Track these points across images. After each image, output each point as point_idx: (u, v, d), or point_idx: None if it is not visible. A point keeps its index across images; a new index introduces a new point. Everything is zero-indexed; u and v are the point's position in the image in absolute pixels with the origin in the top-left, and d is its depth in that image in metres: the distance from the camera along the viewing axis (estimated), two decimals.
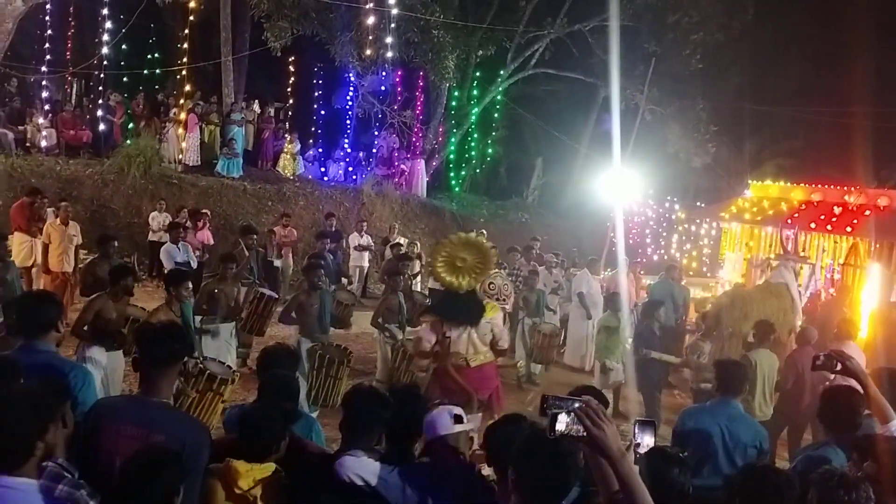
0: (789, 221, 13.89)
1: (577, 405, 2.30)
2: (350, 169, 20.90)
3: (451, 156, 24.06)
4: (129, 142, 17.41)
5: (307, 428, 4.19)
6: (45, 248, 11.09)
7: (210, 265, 12.51)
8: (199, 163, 18.10)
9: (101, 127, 17.69)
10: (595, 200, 17.64)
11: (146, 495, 2.80)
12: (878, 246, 12.43)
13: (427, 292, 13.24)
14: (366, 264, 15.26)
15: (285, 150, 19.86)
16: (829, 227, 13.37)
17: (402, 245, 14.41)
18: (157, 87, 22.04)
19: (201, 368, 6.26)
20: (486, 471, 3.51)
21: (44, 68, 18.43)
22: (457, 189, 24.33)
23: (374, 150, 21.37)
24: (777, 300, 10.11)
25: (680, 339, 11.19)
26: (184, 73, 18.83)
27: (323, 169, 20.99)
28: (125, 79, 21.38)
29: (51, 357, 4.02)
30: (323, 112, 23.54)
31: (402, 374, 8.35)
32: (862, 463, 3.44)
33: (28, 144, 16.64)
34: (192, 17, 18.58)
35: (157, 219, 14.16)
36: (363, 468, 3.25)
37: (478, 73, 23.15)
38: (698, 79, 20.76)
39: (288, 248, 14.11)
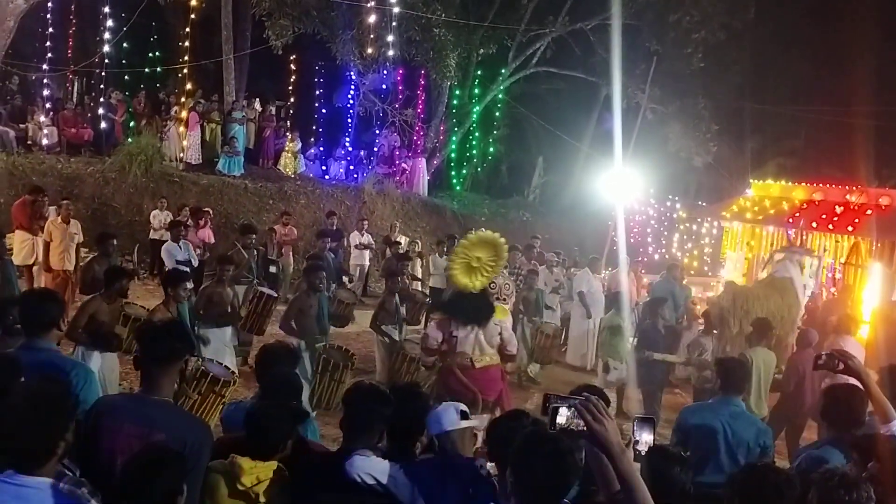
0: (790, 220, 13.89)
1: (577, 401, 2.31)
2: (351, 167, 20.90)
3: (453, 154, 24.06)
4: (130, 140, 17.41)
5: (303, 426, 4.19)
6: (47, 246, 11.08)
7: (211, 264, 12.53)
8: (201, 161, 18.10)
9: (103, 125, 17.69)
10: (596, 199, 17.64)
11: (148, 494, 2.80)
12: (879, 245, 12.43)
13: (428, 291, 13.27)
14: (366, 263, 15.26)
15: (286, 148, 19.85)
16: (830, 227, 13.36)
17: (401, 244, 14.41)
18: (158, 85, 22.07)
19: (203, 371, 6.27)
20: (489, 466, 3.51)
21: (45, 66, 18.45)
22: (458, 188, 24.33)
23: (376, 149, 21.35)
24: (780, 296, 10.00)
25: (680, 337, 11.16)
26: (185, 71, 18.84)
27: (324, 167, 20.99)
28: (126, 77, 21.41)
29: (52, 355, 4.02)
30: (324, 110, 23.55)
31: (401, 375, 8.35)
32: (863, 462, 3.43)
33: (29, 142, 16.65)
34: (193, 16, 18.61)
35: (159, 217, 14.16)
36: (374, 467, 3.26)
37: (479, 72, 23.15)
38: (700, 78, 20.72)
39: (288, 247, 14.11)
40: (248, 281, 10.28)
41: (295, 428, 3.56)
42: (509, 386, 7.63)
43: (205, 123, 18.55)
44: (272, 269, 12.74)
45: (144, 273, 14.49)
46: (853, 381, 4.10)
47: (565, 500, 2.59)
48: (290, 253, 14.23)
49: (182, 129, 18.01)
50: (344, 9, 18.56)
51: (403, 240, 15.55)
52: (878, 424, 3.93)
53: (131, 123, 18.65)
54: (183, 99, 18.60)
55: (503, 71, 22.58)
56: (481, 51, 21.97)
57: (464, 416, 3.67)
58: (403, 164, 21.20)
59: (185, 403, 5.86)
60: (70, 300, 10.44)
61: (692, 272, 16.68)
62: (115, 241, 9.54)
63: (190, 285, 7.55)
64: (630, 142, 16.67)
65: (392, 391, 3.81)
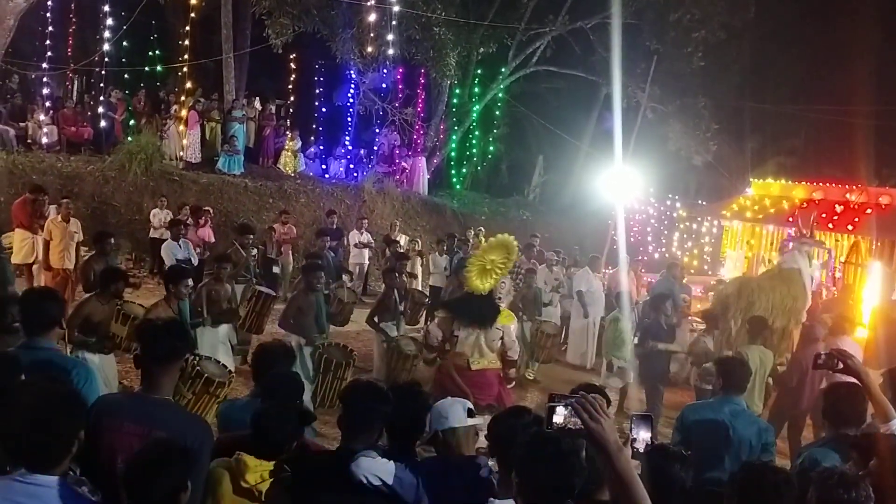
0: (790, 220, 13.89)
1: (574, 399, 2.31)
2: (351, 166, 20.90)
3: (453, 153, 24.06)
4: (130, 139, 17.39)
5: None
6: (47, 244, 11.07)
7: (210, 263, 12.53)
8: (200, 160, 18.10)
9: (103, 124, 17.68)
10: (596, 198, 17.65)
11: (152, 490, 2.80)
12: (879, 244, 12.46)
13: (427, 290, 13.29)
14: (366, 262, 15.23)
15: (286, 147, 19.85)
16: (830, 226, 13.38)
17: (399, 243, 14.41)
18: (158, 83, 22.05)
19: (198, 371, 6.28)
20: (490, 463, 3.52)
21: (45, 65, 18.44)
22: (458, 186, 24.33)
23: (376, 148, 21.36)
24: (787, 287, 9.89)
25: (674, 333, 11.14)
26: (185, 69, 18.83)
27: (324, 166, 20.99)
28: (126, 76, 21.39)
29: (52, 354, 4.02)
30: (324, 109, 23.54)
31: (398, 373, 8.35)
32: (863, 461, 3.44)
33: (29, 141, 16.64)
34: (193, 14, 18.59)
35: (159, 216, 14.16)
36: (380, 468, 3.24)
37: (479, 71, 23.15)
38: (700, 77, 20.72)
39: (287, 246, 14.10)
40: (247, 280, 10.28)
41: (301, 429, 3.55)
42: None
43: (205, 122, 18.55)
44: (275, 269, 12.77)
45: (144, 272, 14.49)
46: (852, 380, 4.10)
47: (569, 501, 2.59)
48: (290, 252, 14.23)
49: (182, 127, 18.00)
50: (344, 7, 18.56)
51: (403, 239, 15.55)
52: (878, 424, 3.93)
53: (131, 122, 18.64)
54: (183, 98, 18.58)
55: (503, 70, 22.58)
56: (481, 50, 21.96)
57: (470, 413, 3.68)
58: (403, 163, 21.20)
59: (179, 402, 5.86)
60: (70, 299, 10.44)
61: (692, 271, 16.69)
62: (112, 240, 9.53)
63: (191, 282, 7.54)
64: (630, 141, 16.69)
65: (393, 390, 3.81)
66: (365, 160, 21.31)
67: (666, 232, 21.69)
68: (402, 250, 13.49)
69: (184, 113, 18.09)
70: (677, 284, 11.86)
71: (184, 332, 3.69)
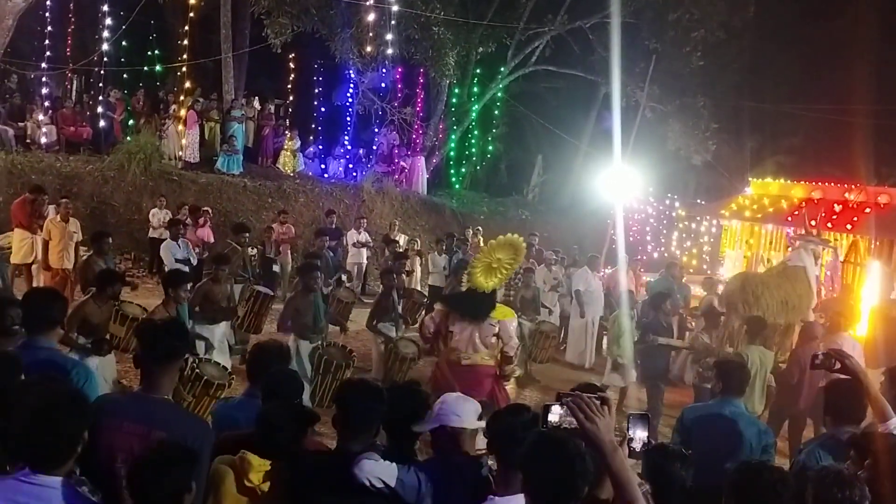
0: (789, 219, 13.91)
1: (570, 399, 2.32)
2: (350, 166, 20.90)
3: (452, 153, 24.06)
4: (129, 138, 17.40)
5: None
6: (46, 244, 11.08)
7: (209, 264, 12.53)
8: (199, 160, 18.10)
9: (102, 123, 17.69)
10: (595, 198, 17.64)
11: (156, 492, 2.80)
12: (878, 243, 12.46)
13: (426, 290, 13.29)
14: (364, 261, 15.20)
15: (285, 146, 19.85)
16: (829, 225, 13.38)
17: (398, 242, 14.41)
18: (157, 83, 22.05)
19: (198, 374, 6.29)
20: (489, 462, 3.52)
21: (44, 65, 18.43)
22: (457, 186, 24.33)
23: (375, 147, 21.37)
24: (792, 285, 9.88)
25: (679, 334, 11.17)
26: (184, 69, 18.82)
27: (323, 166, 21.00)
28: (125, 75, 21.39)
29: (52, 354, 4.03)
30: (323, 109, 23.56)
31: (396, 374, 8.36)
32: (861, 460, 3.45)
33: (28, 141, 16.64)
34: (192, 14, 18.59)
35: (158, 215, 14.17)
36: (383, 471, 3.24)
37: (478, 70, 23.15)
38: (699, 76, 20.73)
39: (286, 245, 14.09)
40: (245, 280, 10.28)
41: (305, 429, 3.55)
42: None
43: (204, 122, 18.55)
44: (275, 268, 12.76)
45: (143, 272, 14.49)
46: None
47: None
48: (289, 251, 14.23)
49: (181, 127, 18.00)
50: (343, 7, 18.56)
51: (402, 238, 15.54)
52: (876, 423, 3.94)
53: (130, 122, 18.65)
54: (182, 97, 18.58)
55: (502, 69, 22.58)
56: (480, 49, 21.96)
57: (479, 416, 3.67)
58: (402, 163, 21.21)
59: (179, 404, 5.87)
60: (70, 299, 10.45)
61: (691, 270, 16.69)
62: (110, 240, 9.54)
63: (190, 286, 7.56)
64: (629, 140, 16.69)
65: (392, 390, 3.80)
66: (364, 160, 21.32)
67: (665, 231, 21.69)
68: (401, 250, 13.50)
69: (183, 113, 18.09)
70: (676, 284, 11.87)
71: (183, 332, 3.70)
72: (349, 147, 21.35)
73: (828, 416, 4.32)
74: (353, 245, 14.90)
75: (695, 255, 18.82)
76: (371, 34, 18.04)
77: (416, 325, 10.79)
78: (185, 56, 18.62)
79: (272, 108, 21.10)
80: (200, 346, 7.96)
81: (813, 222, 11.47)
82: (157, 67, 21.56)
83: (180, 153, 17.91)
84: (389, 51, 18.47)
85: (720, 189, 21.91)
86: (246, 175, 18.13)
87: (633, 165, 16.40)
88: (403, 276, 11.81)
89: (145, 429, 3.27)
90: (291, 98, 24.10)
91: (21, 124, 16.84)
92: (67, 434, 2.73)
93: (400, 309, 9.68)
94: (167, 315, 6.88)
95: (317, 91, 23.96)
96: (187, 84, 18.79)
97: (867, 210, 13.00)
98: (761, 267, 14.65)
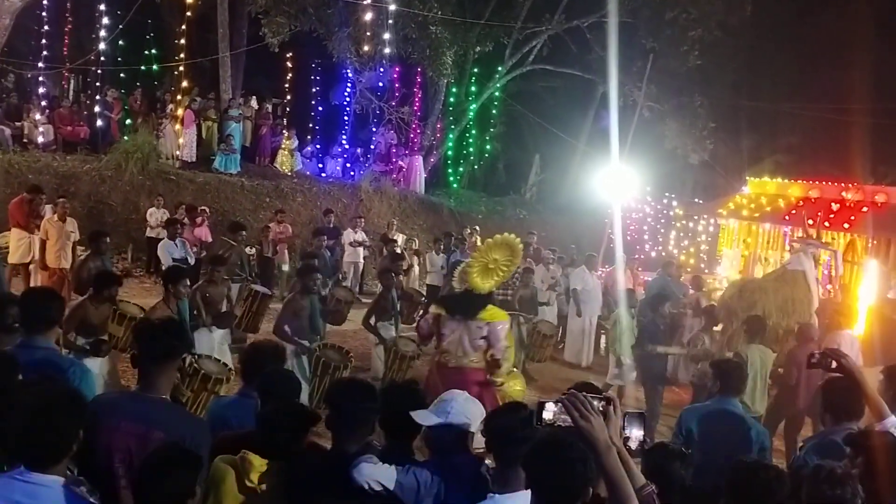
0: (787, 218, 13.92)
1: (564, 397, 2.32)
2: (348, 165, 20.91)
3: (449, 152, 24.06)
4: (126, 138, 17.38)
5: None
6: (43, 244, 11.06)
7: (206, 264, 12.52)
8: (196, 159, 18.09)
9: (99, 123, 17.68)
10: (593, 197, 17.65)
11: (161, 495, 2.81)
12: (875, 242, 12.48)
13: (424, 289, 13.29)
14: (361, 261, 15.16)
15: (283, 146, 19.85)
16: (826, 224, 13.39)
17: (396, 242, 14.40)
18: (154, 82, 22.03)
19: (195, 368, 6.29)
20: (487, 461, 3.52)
21: (41, 64, 18.41)
22: (455, 185, 24.34)
23: (372, 147, 21.37)
24: (791, 289, 9.86)
25: (678, 333, 11.16)
26: (181, 68, 18.80)
27: (321, 165, 20.99)
28: (122, 75, 21.42)
29: (50, 353, 4.02)
30: (321, 108, 23.56)
31: (395, 373, 8.35)
32: (857, 458, 3.46)
33: (25, 140, 16.62)
34: (189, 14, 18.57)
35: (155, 215, 14.16)
36: (382, 475, 3.23)
37: (476, 70, 23.15)
38: (696, 75, 20.74)
39: (283, 245, 14.09)
40: (242, 279, 10.28)
41: (307, 430, 3.54)
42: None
43: (201, 121, 18.55)
44: (284, 267, 12.74)
45: (141, 271, 14.48)
46: None
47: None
48: (286, 251, 14.23)
49: (178, 126, 17.99)
50: (340, 6, 18.56)
51: (400, 238, 15.54)
52: (873, 422, 3.95)
53: (127, 121, 18.64)
54: (179, 97, 18.56)
55: (500, 68, 22.58)
56: (478, 48, 21.95)
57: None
58: (400, 162, 21.22)
59: (178, 400, 5.87)
60: (67, 298, 10.44)
61: (689, 269, 16.70)
62: (108, 240, 9.53)
63: (188, 282, 7.55)
64: (626, 139, 16.68)
65: (390, 389, 3.80)
66: (362, 159, 21.32)
67: (662, 230, 21.70)
68: (399, 249, 13.49)
69: (180, 112, 18.08)
70: (674, 283, 11.87)
71: (181, 332, 3.70)
72: (347, 146, 21.36)
73: (827, 413, 4.34)
74: (350, 244, 14.89)
75: (692, 255, 18.84)
76: (368, 33, 18.04)
77: (413, 324, 10.81)
78: (182, 55, 18.60)
79: (269, 107, 21.10)
80: (200, 344, 7.94)
81: (810, 221, 11.47)
82: (154, 67, 21.56)
83: (177, 152, 17.90)
84: (387, 50, 18.48)
85: (717, 188, 21.92)
86: (243, 174, 18.13)
87: (630, 164, 16.40)
88: (402, 275, 11.81)
89: (143, 428, 3.27)
90: (289, 97, 24.09)
91: (18, 124, 16.81)
92: (62, 432, 2.72)
93: (398, 308, 9.66)
94: (167, 312, 6.89)
95: (314, 90, 23.95)
96: (184, 83, 18.77)
97: (864, 209, 13.02)
98: (759, 266, 14.68)
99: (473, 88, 23.25)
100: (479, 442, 3.73)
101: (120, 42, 20.67)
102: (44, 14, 19.07)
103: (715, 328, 9.58)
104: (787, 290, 9.86)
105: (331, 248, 13.15)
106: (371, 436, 3.53)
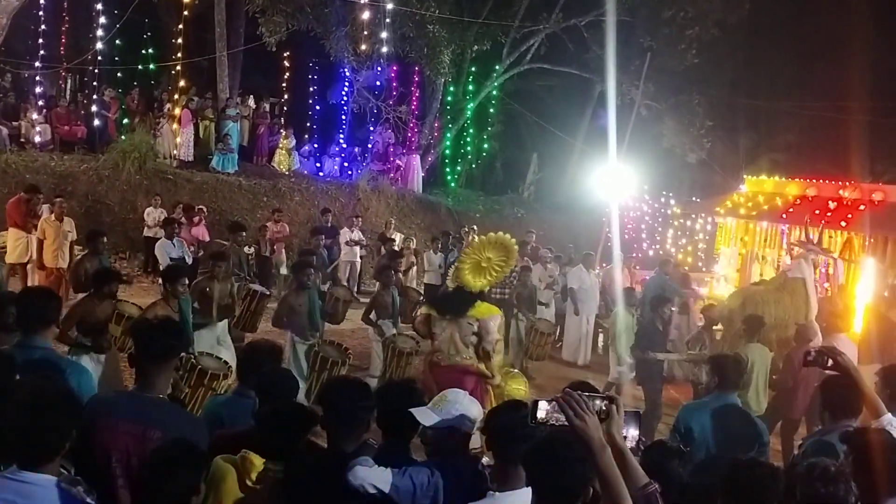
0: (784, 216, 13.92)
1: (559, 396, 2.32)
2: (345, 164, 20.92)
3: (447, 151, 24.06)
4: (123, 137, 17.37)
5: None
6: (40, 244, 11.06)
7: (205, 261, 12.51)
8: (193, 158, 18.08)
9: (96, 122, 17.67)
10: (590, 196, 17.63)
11: (165, 493, 2.81)
12: (872, 240, 12.46)
13: (422, 288, 13.29)
14: (357, 260, 15.10)
15: (280, 145, 19.85)
16: (823, 222, 13.40)
17: (394, 241, 14.40)
18: (151, 82, 22.02)
19: (193, 364, 6.29)
20: (484, 459, 3.52)
21: (38, 64, 18.42)
22: (452, 184, 24.34)
23: (370, 146, 21.36)
24: (791, 298, 9.83)
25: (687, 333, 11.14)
26: (178, 68, 18.79)
27: (318, 164, 20.99)
28: (119, 74, 21.40)
29: (47, 353, 4.03)
30: (318, 107, 23.55)
31: (394, 370, 8.36)
32: (851, 456, 3.47)
33: (22, 140, 16.60)
34: (186, 13, 18.56)
35: (153, 214, 14.15)
36: (377, 477, 3.23)
37: (473, 69, 23.15)
38: (693, 74, 20.77)
39: (280, 244, 14.09)
40: (240, 278, 10.28)
41: (307, 429, 3.53)
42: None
43: (198, 120, 18.53)
44: (282, 268, 12.71)
45: (138, 271, 14.47)
46: None
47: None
48: (283, 250, 14.23)
49: (175, 126, 17.98)
50: (337, 5, 18.56)
51: (398, 237, 15.53)
52: (869, 420, 3.96)
53: (125, 121, 18.62)
54: (176, 96, 18.56)
55: (497, 67, 22.58)
56: (475, 47, 21.95)
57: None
58: (398, 161, 21.21)
59: (177, 396, 5.87)
60: (64, 298, 10.43)
61: (686, 268, 16.71)
62: (105, 239, 9.53)
63: (187, 281, 7.55)
64: (624, 138, 16.67)
65: (388, 387, 3.79)
66: (359, 158, 21.32)
67: (660, 229, 21.74)
68: (397, 248, 13.50)
69: (177, 111, 18.07)
70: (671, 281, 11.87)
71: (178, 331, 3.69)
72: (344, 145, 21.37)
73: (826, 411, 4.35)
74: (346, 244, 14.88)
75: (690, 253, 18.86)
76: (366, 32, 18.04)
77: (412, 322, 10.80)
78: (179, 54, 18.60)
79: (267, 106, 21.08)
80: (198, 342, 7.94)
81: (807, 219, 11.46)
82: (152, 66, 21.53)
83: (175, 152, 17.90)
84: (384, 49, 18.47)
85: (715, 186, 21.90)
86: (241, 174, 18.12)
87: (628, 163, 16.39)
88: (400, 274, 11.82)
89: (140, 428, 3.26)
90: (286, 96, 24.07)
91: (15, 123, 16.80)
92: (54, 431, 2.71)
93: (398, 306, 9.67)
94: (167, 310, 6.90)
95: (312, 89, 23.94)
96: (182, 83, 18.76)
97: (861, 207, 13.01)
98: (756, 264, 14.66)
99: (471, 87, 23.26)
100: (475, 441, 3.73)
101: (117, 41, 20.63)
102: (41, 14, 19.07)
103: (714, 328, 9.58)
104: (787, 300, 9.85)
105: (328, 247, 13.15)
106: (367, 434, 3.52)
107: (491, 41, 22.00)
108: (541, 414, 2.35)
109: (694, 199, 22.48)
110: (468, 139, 24.93)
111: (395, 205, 19.66)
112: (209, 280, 8.46)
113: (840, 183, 14.04)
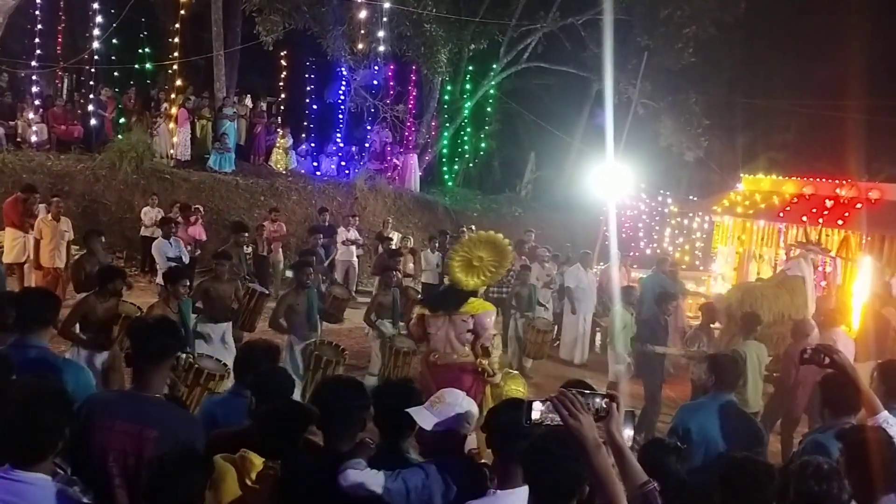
0: (781, 215, 13.94)
1: (553, 395, 2.32)
2: (343, 163, 20.89)
3: (444, 150, 24.05)
4: (120, 137, 17.36)
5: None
6: (37, 243, 11.04)
7: (203, 261, 12.51)
8: (190, 158, 18.07)
9: (93, 122, 17.64)
10: (588, 194, 17.65)
11: (171, 497, 2.81)
12: (869, 238, 12.49)
13: (420, 288, 13.28)
14: (354, 259, 15.05)
15: (277, 144, 19.83)
16: (820, 221, 13.42)
17: (392, 240, 14.38)
18: (148, 81, 22.00)
19: (190, 363, 6.28)
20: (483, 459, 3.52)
21: (34, 63, 18.40)
22: (450, 183, 24.33)
23: (367, 145, 21.34)
24: (790, 296, 9.89)
25: (675, 330, 11.15)
26: (175, 67, 18.79)
27: (315, 163, 20.97)
28: (116, 73, 21.38)
29: (44, 353, 4.02)
30: (315, 106, 23.52)
31: (393, 370, 8.35)
32: (845, 453, 3.48)
33: (19, 140, 16.59)
34: (183, 12, 18.56)
35: (150, 214, 14.14)
36: (369, 480, 3.21)
37: (470, 67, 23.15)
38: (691, 73, 20.77)
39: (277, 243, 14.06)
40: (239, 278, 10.26)
41: (306, 429, 3.53)
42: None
43: (195, 120, 18.51)
44: (280, 266, 12.66)
45: (135, 270, 14.45)
46: None
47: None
48: (280, 249, 14.21)
49: (172, 125, 17.97)
50: (334, 4, 18.55)
51: (396, 236, 15.52)
52: (866, 417, 3.97)
53: (121, 120, 18.60)
54: (173, 95, 18.55)
55: (494, 66, 22.58)
56: (472, 46, 21.96)
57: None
58: (395, 160, 21.20)
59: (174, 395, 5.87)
60: (62, 298, 10.42)
61: (683, 266, 16.75)
62: (102, 238, 9.51)
63: (188, 282, 7.55)
64: (621, 137, 16.69)
65: (385, 387, 3.78)
66: (356, 157, 21.30)
67: (657, 228, 21.77)
68: (394, 247, 13.49)
69: (174, 110, 18.06)
70: (667, 280, 11.87)
71: (175, 330, 3.68)
72: (342, 144, 21.34)
73: (826, 408, 4.36)
74: (342, 243, 14.84)
75: (687, 252, 18.89)
76: (363, 31, 18.04)
77: (411, 321, 10.79)
78: (176, 54, 18.59)
79: (264, 105, 21.08)
80: (201, 343, 7.94)
81: (805, 218, 11.48)
82: (148, 65, 21.53)
83: (172, 151, 17.89)
84: (381, 48, 18.46)
85: (712, 185, 21.95)
86: (238, 173, 18.10)
87: (625, 162, 16.41)
88: (399, 273, 11.81)
89: (137, 427, 3.25)
90: (283, 96, 24.08)
91: (12, 123, 16.79)
92: (47, 429, 2.70)
93: (399, 306, 9.66)
94: (167, 311, 6.90)
95: (309, 89, 23.92)
96: (179, 82, 18.76)
97: (858, 205, 13.04)
98: (753, 262, 14.69)
99: (468, 86, 23.26)
100: (471, 442, 3.72)
101: (114, 41, 20.62)
102: (37, 13, 19.05)
103: (712, 325, 9.59)
104: (786, 297, 9.90)
105: (326, 246, 13.13)
106: (362, 429, 3.51)
107: (488, 40, 22.01)
108: (535, 415, 2.35)
109: (691, 197, 22.51)
110: (465, 138, 24.93)
111: (393, 204, 19.65)
112: (212, 281, 8.44)
113: (837, 181, 14.08)
